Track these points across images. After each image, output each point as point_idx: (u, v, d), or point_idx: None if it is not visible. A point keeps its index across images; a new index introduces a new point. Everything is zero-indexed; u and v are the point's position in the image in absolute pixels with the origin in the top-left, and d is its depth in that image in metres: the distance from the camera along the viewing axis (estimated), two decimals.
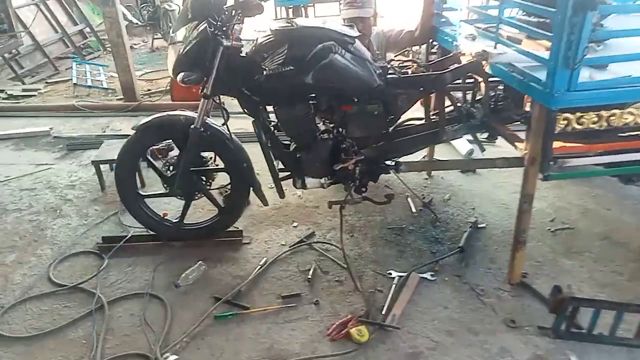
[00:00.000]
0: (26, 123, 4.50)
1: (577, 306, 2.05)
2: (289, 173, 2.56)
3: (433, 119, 2.61)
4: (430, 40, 2.88)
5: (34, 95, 5.39)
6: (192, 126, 2.35)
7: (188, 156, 2.43)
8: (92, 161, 3.18)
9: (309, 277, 2.47)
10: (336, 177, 2.47)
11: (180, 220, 2.66)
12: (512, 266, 2.32)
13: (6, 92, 5.42)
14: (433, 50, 2.97)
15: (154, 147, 2.65)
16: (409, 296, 2.35)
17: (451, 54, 2.53)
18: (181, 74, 2.16)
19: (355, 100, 2.34)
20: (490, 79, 2.34)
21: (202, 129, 2.36)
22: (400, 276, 2.47)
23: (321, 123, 2.51)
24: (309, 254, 2.68)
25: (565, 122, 1.86)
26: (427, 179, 3.40)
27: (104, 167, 3.33)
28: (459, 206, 3.13)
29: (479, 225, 2.89)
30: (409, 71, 2.41)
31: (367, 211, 3.03)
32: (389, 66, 2.40)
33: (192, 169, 2.51)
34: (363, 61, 2.27)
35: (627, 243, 2.72)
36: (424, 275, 2.49)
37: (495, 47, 2.12)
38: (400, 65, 2.53)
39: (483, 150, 2.59)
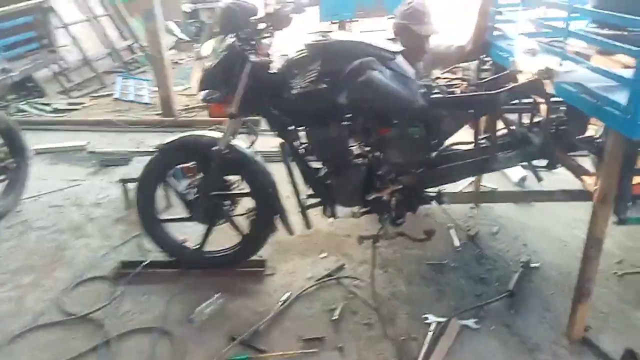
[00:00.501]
0: (65, 137, 4.51)
1: None
2: (319, 200, 2.34)
3: (483, 143, 2.31)
4: (483, 56, 2.59)
5: (78, 109, 5.45)
6: (215, 147, 2.17)
7: (210, 179, 2.25)
8: (120, 179, 3.07)
9: (335, 317, 2.21)
10: (370, 206, 2.22)
11: (200, 246, 2.48)
12: (572, 320, 1.97)
13: (51, 106, 5.51)
14: (485, 67, 2.67)
15: (183, 164, 2.49)
16: (448, 347, 2.04)
17: (507, 72, 2.24)
18: (203, 92, 1.99)
19: (395, 122, 2.09)
20: (552, 100, 2.03)
21: (226, 151, 2.18)
22: (439, 322, 2.17)
23: (356, 146, 2.28)
24: (337, 290, 2.43)
25: None
26: (473, 208, 3.07)
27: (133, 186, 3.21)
28: (508, 241, 2.79)
29: (532, 265, 2.54)
30: (457, 90, 2.14)
31: (404, 243, 2.72)
32: (434, 84, 2.14)
33: (214, 193, 2.33)
34: (405, 79, 2.03)
35: None
36: (466, 323, 2.17)
37: (560, 64, 1.82)
38: (448, 83, 2.27)
39: (540, 180, 2.27)
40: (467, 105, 2.10)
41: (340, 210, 2.30)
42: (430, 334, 2.11)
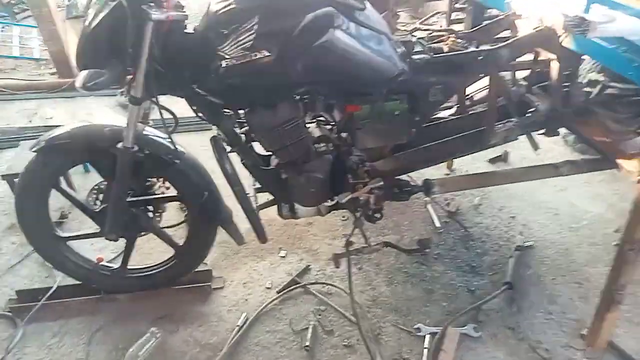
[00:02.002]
0: None
1: None
2: (272, 198, 1.80)
3: (470, 110, 1.82)
4: None
5: None
6: (120, 145, 1.53)
7: (119, 186, 1.62)
8: (3, 175, 2.33)
9: (307, 344, 1.76)
10: (340, 205, 1.71)
11: (122, 265, 1.90)
12: (596, 328, 1.63)
13: None
14: (458, 5, 2.11)
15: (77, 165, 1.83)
16: None
17: (500, 16, 1.71)
18: (84, 75, 1.32)
19: (367, 95, 1.54)
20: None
21: (135, 148, 1.55)
22: (433, 333, 1.79)
23: (315, 127, 1.72)
24: (305, 302, 1.97)
25: None
26: (448, 174, 2.65)
27: None
28: (494, 214, 2.41)
29: (526, 244, 2.19)
30: (444, 47, 1.59)
31: (377, 229, 2.29)
32: (413, 40, 1.57)
33: (131, 199, 1.72)
34: (378, 36, 1.45)
35: None
36: (464, 330, 1.81)
37: (586, 11, 1.31)
38: (430, 37, 1.71)
39: (536, 148, 1.85)
40: (459, 67, 1.57)
41: (302, 209, 1.78)
42: (425, 351, 1.73)
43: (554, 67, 1.59)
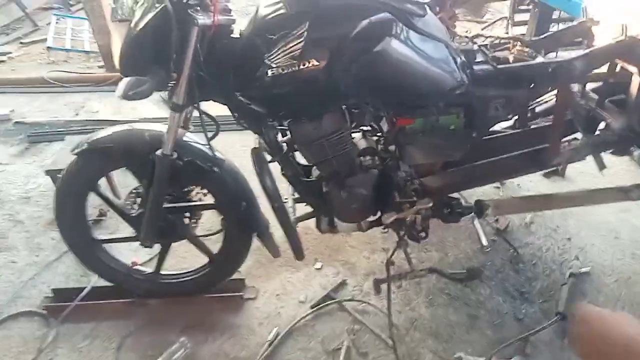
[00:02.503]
0: None
1: None
2: (311, 210, 1.71)
3: (534, 125, 1.67)
4: None
5: (3, 61, 4.49)
6: (159, 152, 1.47)
7: (157, 193, 1.57)
8: (46, 170, 2.34)
9: None
10: (383, 223, 1.60)
11: (156, 270, 1.86)
12: None
13: None
14: (523, 7, 1.95)
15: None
16: None
17: (573, 23, 1.55)
18: (125, 83, 1.26)
19: (421, 108, 1.42)
20: None
21: (175, 156, 1.49)
22: None
23: (360, 138, 1.62)
24: (339, 319, 1.87)
25: None
26: (498, 187, 2.49)
27: None
28: (547, 234, 2.25)
29: (582, 270, 2.02)
30: (509, 56, 1.45)
31: (419, 244, 2.16)
32: (475, 49, 1.44)
33: (168, 205, 1.67)
34: (437, 45, 1.33)
35: None
36: None
37: None
38: (493, 44, 1.57)
39: (603, 168, 1.69)
40: (525, 80, 1.43)
41: (341, 224, 1.68)
42: None
43: (635, 81, 1.43)
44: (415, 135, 1.46)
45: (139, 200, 1.72)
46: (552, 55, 1.54)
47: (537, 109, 1.78)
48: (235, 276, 1.93)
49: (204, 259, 1.87)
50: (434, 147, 1.48)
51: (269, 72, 1.26)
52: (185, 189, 1.73)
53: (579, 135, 1.73)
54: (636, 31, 1.36)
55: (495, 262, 2.10)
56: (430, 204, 1.45)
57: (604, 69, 1.56)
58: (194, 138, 1.62)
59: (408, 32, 1.27)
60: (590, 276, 2.01)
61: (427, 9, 1.28)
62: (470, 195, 2.20)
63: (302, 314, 1.87)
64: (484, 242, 2.17)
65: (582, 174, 2.55)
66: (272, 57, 1.25)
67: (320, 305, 1.90)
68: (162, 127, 1.57)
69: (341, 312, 1.90)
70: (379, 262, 2.12)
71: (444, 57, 1.34)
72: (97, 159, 1.61)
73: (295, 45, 1.22)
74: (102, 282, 1.94)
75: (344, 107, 1.44)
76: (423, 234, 1.65)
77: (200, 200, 1.76)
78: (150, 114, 3.15)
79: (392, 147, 1.57)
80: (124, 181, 2.12)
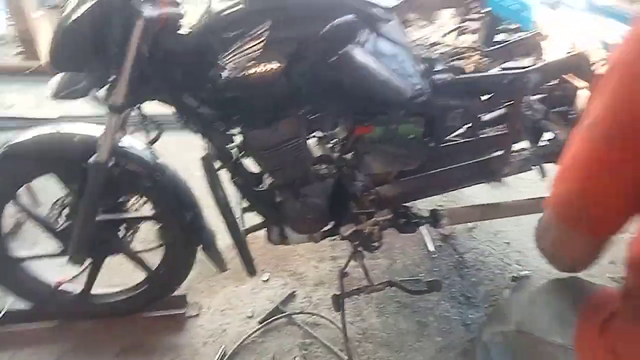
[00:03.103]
0: None
1: None
2: (261, 221, 1.61)
3: (482, 133, 1.69)
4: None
5: None
6: (93, 159, 1.30)
7: (90, 204, 1.39)
8: None
9: None
10: (336, 232, 1.55)
11: (86, 290, 1.66)
12: None
13: None
14: (469, 17, 1.97)
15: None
16: None
17: (525, 35, 1.59)
18: (58, 81, 1.09)
19: (381, 116, 1.38)
20: None
21: (110, 163, 1.33)
22: None
23: (315, 145, 1.55)
24: (289, 333, 1.79)
25: None
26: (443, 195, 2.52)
27: None
28: (489, 239, 2.31)
29: (522, 273, 2.10)
30: (469, 65, 1.45)
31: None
32: (434, 58, 1.42)
33: (101, 217, 1.49)
34: (400, 52, 1.29)
35: None
36: None
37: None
38: (451, 53, 1.56)
39: (545, 176, 1.75)
40: (484, 90, 1.43)
41: (293, 235, 1.60)
42: None
43: (581, 95, 1.48)
44: (374, 143, 1.41)
45: (65, 211, 1.53)
46: (504, 65, 1.57)
47: (485, 118, 1.81)
48: (175, 292, 1.78)
49: (140, 275, 1.70)
50: (392, 156, 1.44)
51: (224, 74, 1.15)
52: (121, 199, 1.56)
53: (523, 144, 1.79)
54: (584, 47, 1.42)
55: (441, 268, 2.12)
56: (390, 216, 1.41)
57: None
58: (132, 142, 1.46)
59: (373, 37, 1.22)
60: (531, 280, 2.08)
61: (394, 15, 1.24)
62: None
63: (250, 331, 1.76)
64: (431, 248, 2.19)
65: (520, 179, 2.64)
66: (227, 57, 1.14)
67: (269, 320, 1.80)
68: (94, 130, 1.40)
69: (291, 325, 1.81)
70: (328, 270, 2.06)
71: (407, 65, 1.31)
72: (19, 166, 1.40)
73: (254, 45, 1.13)
74: (20, 306, 1.71)
75: (301, 114, 1.36)
76: (377, 244, 1.61)
77: (137, 210, 1.60)
78: (77, 110, 2.84)
79: (348, 156, 1.51)
80: (44, 188, 1.89)
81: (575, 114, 1.54)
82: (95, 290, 1.68)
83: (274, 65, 1.14)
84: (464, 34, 1.78)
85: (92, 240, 1.48)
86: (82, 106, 2.84)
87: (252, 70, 1.14)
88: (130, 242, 1.62)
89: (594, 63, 1.38)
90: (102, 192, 1.37)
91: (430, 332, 1.83)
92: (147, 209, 1.58)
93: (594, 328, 0.79)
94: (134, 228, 1.61)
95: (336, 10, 1.16)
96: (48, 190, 1.66)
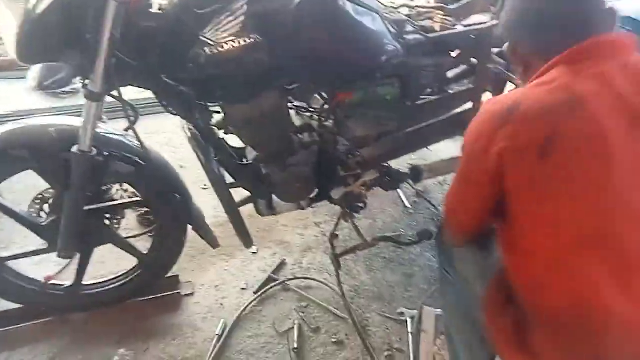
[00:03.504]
0: None
1: None
2: (249, 195, 1.64)
3: (451, 89, 1.76)
4: None
5: None
6: (75, 149, 1.28)
7: (76, 196, 1.37)
8: None
9: (295, 346, 1.66)
10: (326, 198, 1.60)
11: (76, 282, 1.65)
12: None
13: None
14: None
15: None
16: (432, 349, 1.67)
17: None
18: (38, 72, 1.06)
19: (360, 80, 1.42)
20: None
21: (94, 152, 1.31)
22: (413, 317, 1.78)
23: (294, 115, 1.57)
24: (286, 299, 1.85)
25: None
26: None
27: None
28: None
29: None
30: (435, 25, 1.50)
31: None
32: (404, 19, 1.46)
33: (86, 207, 1.47)
34: (372, 15, 1.32)
35: None
36: (439, 311, 1.81)
37: None
38: (417, 14, 1.60)
39: None
40: (452, 47, 1.49)
41: (281, 205, 1.64)
42: (410, 335, 1.71)
43: None
44: (354, 108, 1.45)
45: (46, 207, 1.50)
46: (467, 22, 1.63)
47: (450, 75, 1.88)
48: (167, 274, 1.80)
49: (130, 261, 1.70)
50: (372, 119, 1.49)
51: (205, 51, 1.15)
52: (104, 187, 1.53)
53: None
54: None
55: (419, 222, 2.23)
56: (377, 175, 1.47)
57: None
58: (110, 129, 1.43)
59: (345, 3, 1.24)
60: None
61: None
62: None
63: (247, 301, 1.81)
64: (407, 204, 2.29)
65: None
66: (206, 34, 1.14)
67: (264, 289, 1.86)
68: (68, 120, 1.37)
69: (286, 292, 1.88)
70: (313, 237, 2.13)
71: (380, 28, 1.34)
72: None
73: (233, 20, 1.12)
74: (9, 305, 1.68)
75: (281, 84, 1.37)
76: (362, 205, 1.68)
77: (121, 197, 1.58)
78: (24, 105, 2.70)
79: (328, 122, 1.55)
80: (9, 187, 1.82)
81: None
82: (87, 281, 1.67)
83: (256, 38, 1.15)
84: None
85: (77, 234, 1.46)
86: (32, 100, 2.73)
87: (233, 45, 1.14)
88: (117, 229, 1.61)
89: None
90: (88, 183, 1.35)
91: (417, 282, 1.95)
92: (133, 195, 1.57)
93: (498, 300, 0.98)
94: (120, 215, 1.59)
95: None
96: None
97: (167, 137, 2.63)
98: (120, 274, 1.71)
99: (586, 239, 0.79)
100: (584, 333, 0.82)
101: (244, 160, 1.58)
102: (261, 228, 2.14)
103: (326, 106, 1.45)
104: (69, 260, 1.59)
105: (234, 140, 1.54)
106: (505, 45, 0.93)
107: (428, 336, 1.71)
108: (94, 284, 1.70)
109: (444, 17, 1.53)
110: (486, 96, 1.82)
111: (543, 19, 0.89)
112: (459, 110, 1.70)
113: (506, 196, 0.87)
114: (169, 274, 1.81)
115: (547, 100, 0.80)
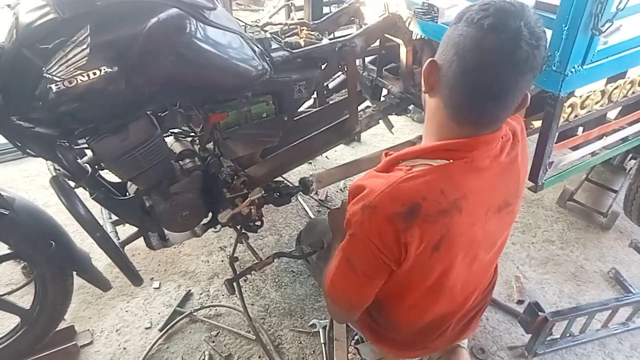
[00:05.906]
0: None
1: (554, 322, 1.67)
2: (136, 230, 1.57)
3: (331, 100, 1.82)
4: None
5: None
6: None
7: None
8: None
9: None
10: (218, 222, 1.57)
11: None
12: None
13: None
14: None
15: None
16: (346, 352, 1.70)
17: (345, 5, 1.72)
18: None
19: (231, 101, 1.42)
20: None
21: None
22: (325, 327, 1.79)
23: (173, 142, 1.54)
24: (194, 331, 1.79)
25: (570, 109, 1.28)
26: (311, 163, 2.66)
27: None
28: None
29: None
30: (300, 40, 1.53)
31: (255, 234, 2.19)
32: (268, 36, 1.48)
33: None
34: (233, 37, 1.33)
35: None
36: None
37: None
38: (282, 30, 1.63)
39: (391, 127, 1.95)
40: (319, 60, 1.54)
41: (174, 235, 1.59)
42: (323, 346, 1.72)
43: (402, 50, 1.66)
44: (231, 129, 1.44)
45: None
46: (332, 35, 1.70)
47: (330, 86, 1.94)
48: (61, 325, 1.67)
49: (13, 320, 1.56)
50: (252, 137, 1.49)
51: (53, 88, 1.09)
52: None
53: (368, 103, 1.97)
54: (395, 8, 1.58)
55: None
56: (262, 193, 1.47)
57: (377, 43, 1.78)
58: None
59: (202, 27, 1.24)
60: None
61: (218, 3, 1.26)
62: (288, 177, 2.31)
63: (152, 341, 1.72)
64: (311, 215, 2.31)
65: (374, 135, 2.90)
66: (52, 70, 1.08)
67: (170, 325, 1.78)
68: None
69: (194, 323, 1.82)
70: (220, 262, 2.08)
71: (242, 48, 1.35)
72: None
73: (78, 53, 1.07)
74: None
75: (149, 112, 1.33)
76: (259, 223, 1.67)
77: None
78: None
79: (210, 145, 1.53)
80: None
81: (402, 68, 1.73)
82: None
83: (104, 69, 1.10)
84: (292, 12, 1.87)
85: None
86: None
87: (82, 79, 1.09)
88: None
89: (406, 20, 1.55)
90: None
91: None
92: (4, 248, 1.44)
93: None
94: None
95: (157, 7, 1.14)
96: None
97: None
98: (1, 335, 1.56)
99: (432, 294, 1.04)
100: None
101: (127, 194, 1.51)
102: (163, 261, 2.06)
103: (203, 130, 1.43)
104: None
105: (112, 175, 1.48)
106: (427, 61, 0.87)
107: (341, 344, 1.73)
108: None
109: (309, 32, 1.57)
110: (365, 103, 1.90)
111: (464, 86, 0.84)
112: (341, 119, 1.75)
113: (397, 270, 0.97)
114: (63, 326, 1.68)
115: (442, 201, 0.87)
